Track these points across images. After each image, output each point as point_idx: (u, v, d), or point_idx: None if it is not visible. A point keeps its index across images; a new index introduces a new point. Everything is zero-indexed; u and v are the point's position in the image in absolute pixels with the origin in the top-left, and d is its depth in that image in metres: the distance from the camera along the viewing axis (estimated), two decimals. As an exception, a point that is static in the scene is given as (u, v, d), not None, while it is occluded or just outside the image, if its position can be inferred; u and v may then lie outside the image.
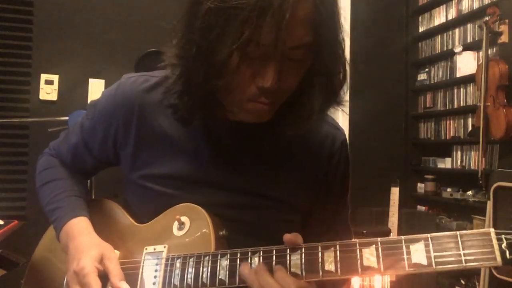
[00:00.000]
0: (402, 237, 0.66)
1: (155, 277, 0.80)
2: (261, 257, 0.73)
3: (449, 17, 3.79)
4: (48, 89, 3.06)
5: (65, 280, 0.89)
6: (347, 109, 0.84)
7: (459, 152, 3.65)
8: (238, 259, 0.74)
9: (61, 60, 3.10)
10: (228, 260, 0.74)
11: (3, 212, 2.84)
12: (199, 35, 0.70)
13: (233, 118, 0.83)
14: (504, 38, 3.13)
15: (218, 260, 0.75)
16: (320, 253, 0.70)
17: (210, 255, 0.76)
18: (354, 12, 3.71)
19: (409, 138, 4.05)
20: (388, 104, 3.97)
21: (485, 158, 3.26)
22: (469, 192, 3.41)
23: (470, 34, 3.57)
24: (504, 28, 3.12)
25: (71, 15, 3.12)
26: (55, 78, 3.08)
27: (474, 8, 3.50)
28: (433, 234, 0.65)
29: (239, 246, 0.76)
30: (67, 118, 2.34)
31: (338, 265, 0.68)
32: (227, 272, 0.74)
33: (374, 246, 0.67)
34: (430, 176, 3.79)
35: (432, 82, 3.92)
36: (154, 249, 0.83)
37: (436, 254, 0.63)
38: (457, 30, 3.71)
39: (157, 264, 0.81)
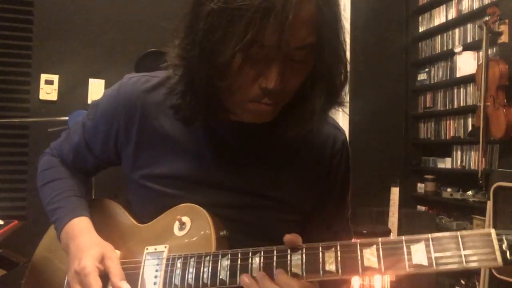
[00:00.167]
0: (403, 237, 0.66)
1: (155, 277, 0.80)
2: (262, 257, 0.73)
3: (449, 17, 3.79)
4: (48, 89, 3.06)
5: (65, 280, 0.89)
6: (347, 109, 0.84)
7: (459, 152, 3.65)
8: (239, 259, 0.74)
9: (61, 60, 3.10)
10: (229, 260, 0.74)
11: (3, 212, 2.84)
12: (202, 36, 0.70)
13: (235, 118, 0.84)
14: (504, 38, 3.13)
15: (219, 260, 0.75)
16: (320, 253, 0.70)
17: (211, 255, 0.76)
18: (354, 12, 3.71)
19: (409, 138, 4.05)
20: (388, 104, 3.97)
21: (485, 158, 3.26)
22: (469, 192, 3.41)
23: (470, 34, 3.57)
24: (504, 28, 3.12)
25: (71, 15, 3.12)
26: (55, 78, 3.08)
27: (474, 8, 3.50)
28: (434, 235, 0.65)
29: (239, 246, 0.76)
30: (67, 118, 2.35)
31: (339, 265, 0.68)
32: (228, 272, 0.74)
33: (374, 246, 0.67)
34: (430, 176, 3.79)
35: (432, 82, 3.92)
36: (155, 249, 0.83)
37: (436, 254, 0.64)
38: (457, 30, 3.71)
39: (157, 264, 0.81)
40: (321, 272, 0.69)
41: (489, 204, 2.59)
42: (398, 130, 4.01)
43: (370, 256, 0.67)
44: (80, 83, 3.13)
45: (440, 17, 3.89)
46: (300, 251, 0.71)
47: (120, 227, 0.93)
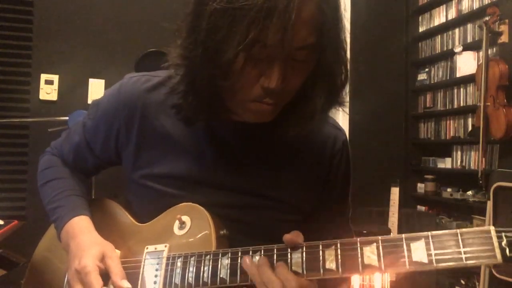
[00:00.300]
0: (403, 235, 0.67)
1: (156, 276, 0.80)
2: (262, 256, 0.73)
3: (449, 17, 3.79)
4: (48, 89, 3.06)
5: (66, 279, 0.89)
6: (347, 109, 0.84)
7: (459, 152, 3.65)
8: (239, 258, 0.74)
9: (61, 60, 3.10)
10: (229, 259, 0.74)
11: (3, 212, 2.85)
12: (205, 36, 0.70)
13: (236, 118, 0.84)
14: (504, 38, 3.13)
15: (219, 259, 0.75)
16: (321, 251, 0.70)
17: (211, 254, 0.76)
18: (354, 12, 3.72)
19: (409, 138, 4.05)
20: (388, 104, 3.97)
21: (485, 158, 3.26)
22: (469, 192, 3.41)
23: (470, 34, 3.57)
24: (504, 28, 3.12)
25: (71, 15, 3.12)
26: (55, 78, 3.08)
27: (474, 8, 3.50)
28: (434, 232, 0.65)
29: (239, 246, 0.76)
30: (67, 118, 2.35)
31: (339, 264, 0.68)
32: (228, 271, 0.74)
33: (375, 244, 0.67)
34: (430, 176, 3.79)
35: (432, 82, 3.92)
36: (155, 248, 0.83)
37: (436, 252, 0.64)
38: (457, 30, 3.71)
39: (158, 264, 0.81)
40: (321, 271, 0.69)
41: (489, 204, 2.59)
42: (398, 130, 4.01)
43: (370, 254, 0.67)
44: (80, 83, 3.13)
45: (440, 17, 3.89)
46: (300, 250, 0.71)
47: (120, 226, 0.93)
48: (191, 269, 0.77)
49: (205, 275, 0.75)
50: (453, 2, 3.75)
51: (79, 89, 3.12)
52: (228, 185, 0.87)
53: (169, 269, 0.79)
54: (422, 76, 4.03)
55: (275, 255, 0.72)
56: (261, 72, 0.72)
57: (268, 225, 0.87)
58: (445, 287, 3.27)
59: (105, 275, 0.80)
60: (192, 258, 0.78)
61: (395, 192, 3.53)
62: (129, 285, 0.78)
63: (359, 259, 0.67)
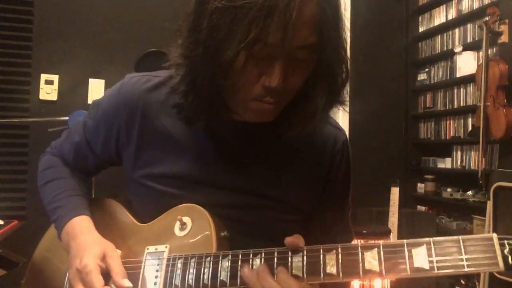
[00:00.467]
0: (404, 241, 0.66)
1: (156, 277, 0.80)
2: (262, 259, 0.72)
3: (449, 17, 3.79)
4: (48, 89, 3.06)
5: (66, 279, 0.89)
6: (347, 109, 0.84)
7: (459, 152, 3.65)
8: (239, 261, 0.74)
9: (61, 60, 3.10)
10: (230, 261, 0.74)
11: (3, 212, 2.84)
12: (206, 35, 0.70)
13: (236, 118, 0.84)
14: (504, 38, 3.13)
15: (220, 261, 0.75)
16: (321, 255, 0.70)
17: (211, 256, 0.76)
18: (354, 12, 3.72)
19: (409, 138, 4.05)
20: (388, 104, 3.98)
21: (485, 158, 3.26)
22: (469, 192, 3.41)
23: (470, 34, 3.57)
24: (504, 28, 3.12)
25: (71, 15, 3.12)
26: (55, 78, 3.08)
27: (474, 8, 3.50)
28: (436, 239, 0.65)
29: (239, 246, 0.76)
30: (67, 118, 2.35)
31: (340, 268, 0.68)
32: (229, 273, 0.73)
33: (376, 249, 0.67)
34: (430, 176, 3.79)
35: (432, 82, 3.92)
36: (156, 249, 0.83)
37: (438, 258, 0.63)
38: (457, 30, 3.71)
39: (158, 264, 0.81)
40: (322, 275, 0.68)
41: (489, 204, 2.59)
42: (398, 130, 4.01)
43: (371, 259, 0.66)
44: (80, 83, 3.13)
45: (440, 17, 3.89)
46: (301, 253, 0.71)
47: (120, 226, 0.93)
48: (191, 270, 0.76)
49: (205, 277, 0.75)
50: (453, 2, 3.75)
51: (79, 89, 3.12)
52: (228, 185, 0.87)
53: (169, 270, 0.79)
54: (422, 76, 4.03)
55: (275, 259, 0.72)
56: (262, 71, 0.72)
57: (268, 225, 0.87)
58: (445, 287, 3.27)
59: (106, 275, 0.80)
60: (193, 260, 0.77)
61: (395, 192, 3.53)
62: (130, 284, 0.78)
63: (360, 264, 0.67)
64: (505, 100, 3.07)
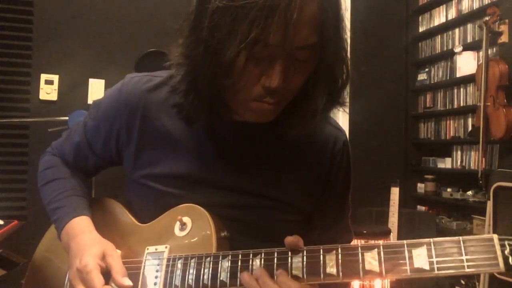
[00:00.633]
0: (405, 241, 0.66)
1: (156, 277, 0.80)
2: (262, 259, 0.72)
3: (449, 17, 3.79)
4: (48, 89, 3.06)
5: (67, 278, 0.89)
6: (347, 109, 0.84)
7: (459, 152, 3.65)
8: (239, 261, 0.74)
9: (61, 60, 3.10)
10: (230, 261, 0.74)
11: (3, 212, 2.84)
12: (207, 34, 0.70)
13: (237, 118, 0.84)
14: (504, 38, 3.13)
15: (220, 262, 0.75)
16: (321, 256, 0.70)
17: (211, 256, 0.76)
18: (354, 12, 3.71)
19: (409, 138, 4.05)
20: (388, 104, 3.98)
21: (485, 158, 3.26)
22: (469, 192, 3.41)
23: (470, 34, 3.57)
24: (504, 28, 3.12)
25: (71, 15, 3.12)
26: (55, 78, 3.08)
27: (474, 8, 3.50)
28: (436, 239, 0.65)
29: (239, 246, 0.77)
30: (67, 118, 2.35)
31: (340, 268, 0.68)
32: (228, 274, 0.73)
33: (376, 250, 0.67)
34: (430, 176, 3.79)
35: (432, 82, 3.92)
36: (156, 249, 0.83)
37: (438, 259, 0.63)
38: (457, 30, 3.71)
39: (158, 265, 0.81)
40: (322, 275, 0.68)
41: (489, 204, 2.58)
42: (398, 130, 4.01)
43: (371, 259, 0.66)
44: (80, 83, 3.12)
45: (440, 17, 3.89)
46: (301, 254, 0.71)
47: (121, 226, 0.93)
48: (191, 271, 0.77)
49: (205, 277, 0.75)
50: (453, 2, 3.75)
51: (79, 89, 3.12)
52: (229, 185, 0.87)
53: (169, 271, 0.79)
54: (422, 76, 4.03)
55: (275, 259, 0.72)
56: (262, 71, 0.72)
57: (268, 225, 0.87)
58: (445, 287, 3.27)
59: (106, 274, 0.80)
60: (193, 260, 0.77)
61: (395, 192, 3.53)
62: (130, 282, 0.78)
63: (360, 265, 0.67)
64: (505, 100, 3.07)
